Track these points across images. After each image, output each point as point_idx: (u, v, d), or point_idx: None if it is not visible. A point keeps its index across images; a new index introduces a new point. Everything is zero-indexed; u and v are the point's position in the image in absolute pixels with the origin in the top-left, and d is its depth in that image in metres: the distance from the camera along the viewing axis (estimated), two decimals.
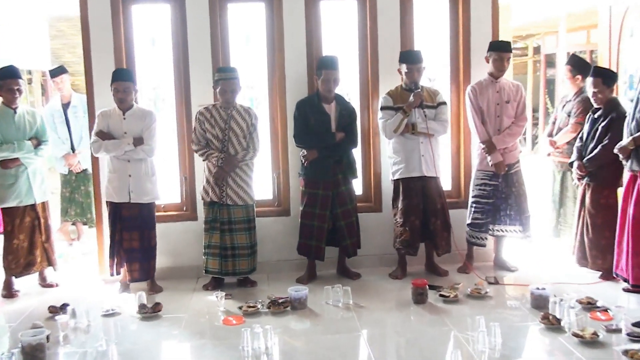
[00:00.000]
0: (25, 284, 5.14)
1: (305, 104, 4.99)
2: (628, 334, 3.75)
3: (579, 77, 5.34)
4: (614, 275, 4.72)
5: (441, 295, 4.55)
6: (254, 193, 4.97)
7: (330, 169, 4.95)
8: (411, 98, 4.89)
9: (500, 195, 5.12)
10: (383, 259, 5.42)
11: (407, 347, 3.83)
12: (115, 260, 4.88)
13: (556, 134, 5.49)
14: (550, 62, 13.23)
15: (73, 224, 6.56)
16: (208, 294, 4.85)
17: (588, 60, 10.36)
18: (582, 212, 4.98)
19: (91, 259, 5.81)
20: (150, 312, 4.39)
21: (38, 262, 5.09)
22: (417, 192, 5.00)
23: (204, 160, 4.90)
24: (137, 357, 3.76)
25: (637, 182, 4.48)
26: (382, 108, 5.02)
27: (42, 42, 11.44)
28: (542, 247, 5.67)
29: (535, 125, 13.13)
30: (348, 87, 5.65)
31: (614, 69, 6.77)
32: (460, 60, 5.47)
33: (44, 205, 5.13)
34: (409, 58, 4.96)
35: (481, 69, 5.22)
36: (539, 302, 4.29)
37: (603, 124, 4.79)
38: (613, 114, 4.75)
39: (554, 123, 5.61)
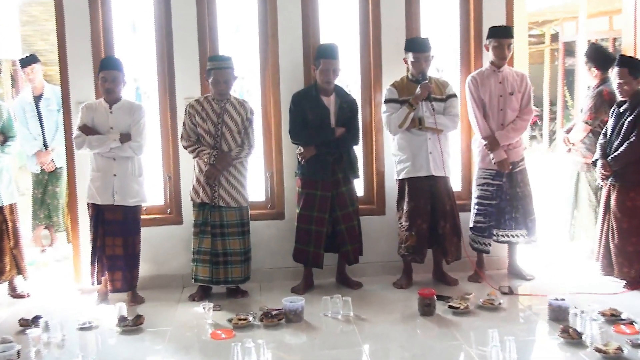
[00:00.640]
0: None
1: (302, 97, 4.98)
2: None
3: (595, 69, 5.37)
4: None
5: (450, 307, 4.55)
6: (248, 194, 4.97)
7: (329, 168, 4.95)
8: (418, 90, 4.89)
9: (504, 197, 5.13)
10: (387, 267, 5.42)
11: None
12: (96, 268, 4.86)
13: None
14: (569, 50, 13.25)
15: (47, 228, 6.53)
16: (194, 305, 4.84)
17: (610, 49, 10.40)
18: (607, 216, 4.99)
19: (66, 266, 5.79)
20: (131, 325, 4.38)
21: (7, 270, 5.07)
22: (424, 193, 4.99)
23: (194, 158, 4.89)
24: None
25: None
26: (387, 101, 5.02)
27: (11, 28, 11.41)
28: (558, 252, 5.68)
29: (552, 120, 13.14)
30: (348, 78, 5.73)
31: None
32: (471, 49, 5.48)
33: (11, 207, 5.12)
34: (416, 46, 4.96)
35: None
36: (558, 314, 4.29)
37: (629, 118, 4.79)
38: None
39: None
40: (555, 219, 5.80)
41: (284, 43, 5.26)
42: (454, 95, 5.07)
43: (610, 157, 4.89)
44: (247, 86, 6.49)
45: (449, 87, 5.08)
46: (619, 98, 4.92)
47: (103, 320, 4.53)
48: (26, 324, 4.43)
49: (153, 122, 5.35)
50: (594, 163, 5.05)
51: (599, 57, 5.42)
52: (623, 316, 4.28)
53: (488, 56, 5.18)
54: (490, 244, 5.17)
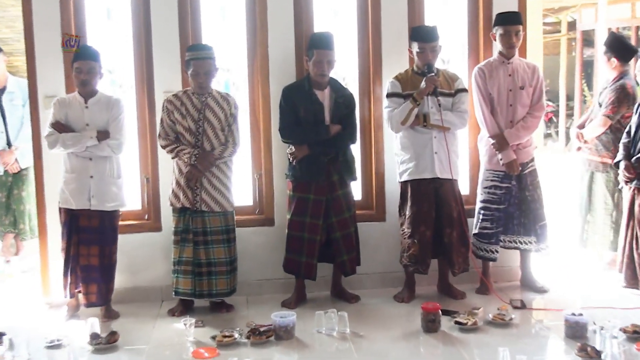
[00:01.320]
0: None
1: (293, 91, 4.98)
2: None
3: (615, 60, 5.42)
4: None
5: (457, 322, 4.55)
6: (234, 198, 4.97)
7: (323, 169, 4.95)
8: (423, 83, 4.89)
9: (513, 201, 5.14)
10: (387, 278, 5.43)
11: None
12: (70, 279, 4.84)
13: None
14: (587, 40, 13.26)
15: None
16: (174, 320, 4.83)
17: (633, 38, 10.42)
18: (630, 223, 5.01)
19: (32, 278, 5.77)
20: (104, 343, 4.36)
21: None
22: (429, 197, 5.00)
23: (173, 158, 4.88)
24: None
25: None
26: (389, 95, 5.03)
27: None
28: (572, 261, 5.73)
29: (569, 116, 13.16)
30: (345, 70, 5.72)
31: None
32: (480, 38, 5.48)
33: None
34: (422, 35, 4.96)
35: None
36: (575, 331, 4.29)
37: None
38: None
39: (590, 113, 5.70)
40: (567, 224, 5.85)
41: (274, 32, 5.26)
42: (464, 90, 5.07)
43: (635, 157, 4.90)
44: (233, 79, 6.48)
45: (459, 80, 5.09)
46: None
47: (73, 338, 4.50)
48: None
49: (129, 118, 5.30)
50: (617, 164, 5.05)
51: (620, 46, 5.48)
52: None
53: (497, 47, 5.18)
54: (497, 251, 5.17)
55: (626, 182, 5.00)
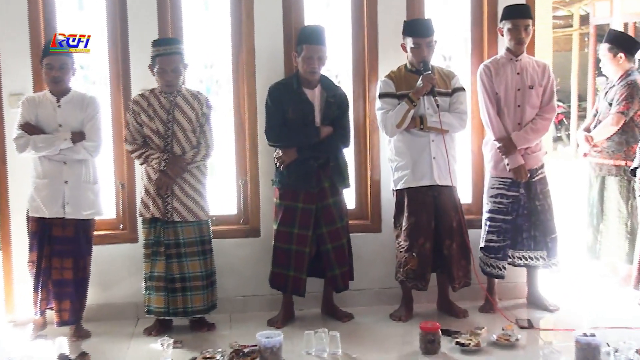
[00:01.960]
0: None
1: (281, 90, 4.98)
2: None
3: (622, 55, 5.51)
4: None
5: (458, 343, 4.54)
6: (209, 206, 4.95)
7: (313, 176, 4.94)
8: (419, 82, 4.88)
9: (521, 211, 5.14)
10: (382, 295, 5.42)
11: None
12: (41, 295, 4.82)
13: (595, 128, 5.60)
14: (601, 35, 13.16)
15: None
16: (151, 340, 4.81)
17: None
18: None
19: None
20: None
21: None
22: (427, 207, 4.99)
23: (141, 164, 4.87)
24: None
25: None
26: (381, 95, 5.02)
27: None
28: (583, 275, 5.75)
29: (581, 118, 13.17)
30: (338, 67, 5.77)
31: None
32: (485, 33, 5.49)
33: None
34: (416, 29, 4.96)
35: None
36: (587, 353, 4.24)
37: None
38: None
39: (594, 116, 5.74)
40: (576, 235, 5.87)
41: (261, 24, 5.25)
42: (461, 89, 5.08)
43: None
44: (216, 76, 6.48)
45: (455, 78, 5.10)
46: None
47: (39, 359, 4.48)
48: None
49: (103, 118, 5.29)
50: (633, 172, 5.06)
51: (626, 41, 5.60)
52: None
53: (504, 43, 5.18)
54: (504, 268, 5.16)
55: None
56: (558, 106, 5.37)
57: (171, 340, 4.49)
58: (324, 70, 5.00)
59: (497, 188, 5.14)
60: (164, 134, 4.79)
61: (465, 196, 5.36)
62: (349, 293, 5.21)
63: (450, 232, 4.99)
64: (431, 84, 4.85)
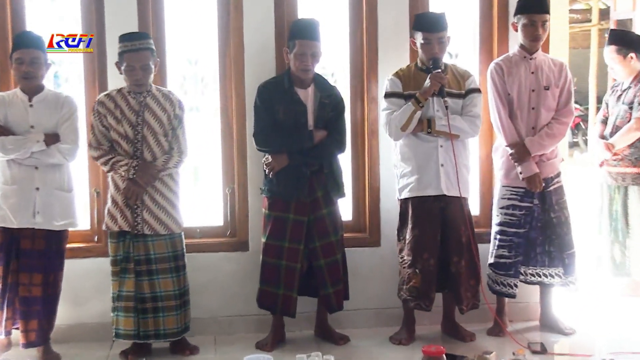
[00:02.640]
0: None
1: (270, 89, 4.95)
2: None
3: (632, 55, 5.55)
4: None
5: None
6: (182, 217, 4.92)
7: (305, 184, 4.91)
8: (427, 81, 4.85)
9: (535, 224, 5.11)
10: (382, 316, 5.42)
11: None
12: (7, 314, 4.78)
13: (612, 134, 5.59)
14: None
15: None
16: None
17: None
18: None
19: None
20: None
21: None
22: (433, 219, 4.96)
23: (108, 172, 4.84)
24: None
25: None
26: (387, 95, 5.00)
27: None
28: (603, 294, 5.72)
29: (601, 122, 13.16)
30: (334, 65, 5.73)
31: None
32: (494, 28, 5.51)
33: None
34: (427, 24, 4.93)
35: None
36: None
37: None
38: None
39: (604, 122, 5.78)
40: (594, 249, 5.84)
41: (250, 17, 5.24)
42: (477, 90, 5.05)
43: None
44: (201, 73, 6.45)
45: (471, 78, 5.08)
46: None
47: None
48: None
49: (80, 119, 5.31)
50: None
51: (635, 40, 5.66)
52: None
53: (516, 38, 5.16)
54: (516, 286, 5.13)
55: None
56: (575, 109, 5.33)
57: None
58: (318, 68, 4.98)
59: (509, 198, 5.11)
60: (132, 138, 4.75)
61: (472, 207, 5.31)
62: (345, 313, 5.20)
63: (458, 248, 4.96)
64: (440, 84, 4.82)
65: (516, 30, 5.08)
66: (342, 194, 5.07)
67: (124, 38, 4.78)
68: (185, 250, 4.96)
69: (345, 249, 5.14)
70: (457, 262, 4.94)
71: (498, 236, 5.13)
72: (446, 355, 4.43)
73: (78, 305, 5.18)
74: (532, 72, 5.06)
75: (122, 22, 5.09)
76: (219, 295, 5.28)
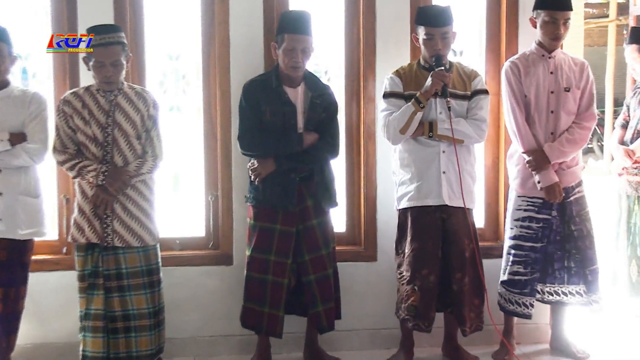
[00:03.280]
0: None
1: (257, 88, 4.91)
2: None
3: None
4: None
5: None
6: (158, 228, 4.88)
7: (294, 192, 4.87)
8: (429, 80, 4.81)
9: (553, 237, 5.08)
10: (377, 337, 5.42)
11: None
12: None
13: (633, 140, 5.59)
14: None
15: None
16: None
17: None
18: None
19: None
20: None
21: None
22: (434, 231, 4.91)
23: (74, 178, 4.77)
24: None
25: None
26: (386, 95, 4.98)
27: None
28: (621, 315, 5.66)
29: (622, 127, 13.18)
30: (327, 62, 5.76)
31: None
32: (502, 24, 5.52)
33: None
34: (430, 18, 4.90)
35: (533, 38, 5.19)
36: None
37: None
38: None
39: (624, 126, 5.74)
40: (612, 266, 5.81)
41: (237, 9, 5.24)
42: (484, 92, 5.02)
43: None
44: (183, 69, 6.45)
45: (478, 79, 5.04)
46: None
47: None
48: None
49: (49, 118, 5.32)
50: None
51: None
52: None
53: (526, 35, 5.18)
54: (532, 305, 5.09)
55: None
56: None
57: None
58: (309, 66, 4.97)
59: (525, 210, 5.08)
60: (102, 140, 4.70)
61: (477, 219, 5.29)
62: (337, 334, 5.16)
63: (461, 263, 4.91)
64: (443, 83, 4.78)
65: (534, 26, 5.06)
66: (334, 203, 5.05)
67: (94, 30, 4.73)
68: (160, 264, 4.93)
69: (338, 263, 5.13)
70: (460, 279, 4.90)
71: (512, 251, 5.10)
72: None
73: (43, 324, 5.17)
74: (551, 72, 5.04)
75: (95, 11, 5.08)
76: (199, 313, 5.28)
